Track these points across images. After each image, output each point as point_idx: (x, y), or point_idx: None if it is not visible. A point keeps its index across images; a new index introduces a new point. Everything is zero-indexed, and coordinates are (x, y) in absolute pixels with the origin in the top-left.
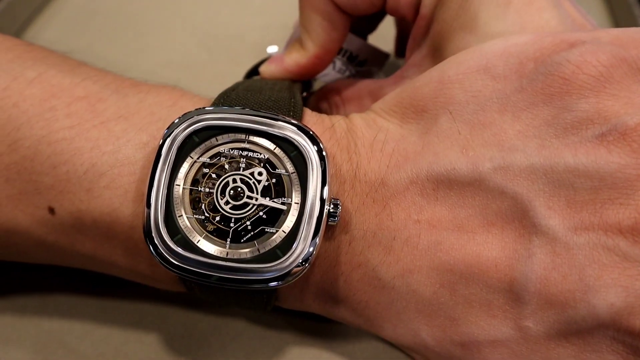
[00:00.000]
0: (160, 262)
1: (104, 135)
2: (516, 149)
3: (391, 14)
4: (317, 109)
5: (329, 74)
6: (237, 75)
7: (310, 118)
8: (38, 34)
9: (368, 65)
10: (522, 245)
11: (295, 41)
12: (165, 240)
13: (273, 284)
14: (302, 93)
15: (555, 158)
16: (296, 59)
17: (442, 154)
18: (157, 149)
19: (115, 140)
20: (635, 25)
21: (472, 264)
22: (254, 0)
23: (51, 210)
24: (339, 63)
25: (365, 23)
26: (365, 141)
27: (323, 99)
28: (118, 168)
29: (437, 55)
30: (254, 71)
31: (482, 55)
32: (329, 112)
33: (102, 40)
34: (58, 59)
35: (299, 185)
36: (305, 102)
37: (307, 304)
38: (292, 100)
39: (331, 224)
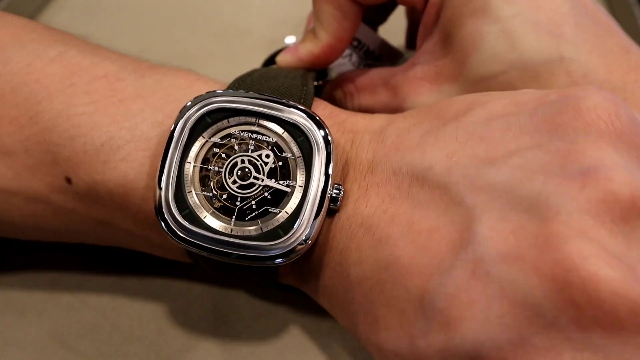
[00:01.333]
0: (169, 234)
1: (122, 112)
2: (494, 163)
3: (401, 3)
4: (332, 98)
5: (345, 64)
6: (245, 67)
7: (324, 111)
8: None
9: (383, 61)
10: (449, 257)
11: (309, 31)
12: (174, 215)
13: (278, 260)
14: (315, 81)
15: (524, 180)
16: (310, 48)
17: (428, 153)
18: (171, 127)
19: (132, 118)
20: (635, 25)
21: (403, 265)
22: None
23: (68, 180)
24: (355, 56)
25: (375, 14)
26: (371, 133)
27: (337, 88)
28: (134, 142)
29: (448, 41)
30: (271, 60)
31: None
32: (343, 101)
33: (103, 39)
34: (77, 41)
35: (304, 169)
36: (321, 91)
37: (293, 282)
38: (304, 88)
39: (333, 207)
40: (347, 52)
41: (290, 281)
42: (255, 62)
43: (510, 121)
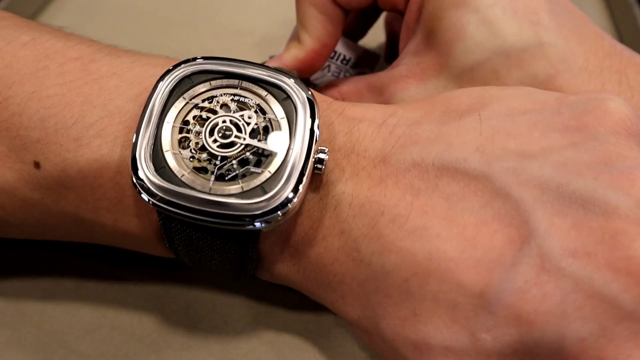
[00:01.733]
0: (143, 194)
1: (96, 90)
2: (535, 158)
3: (383, 5)
4: None
5: (325, 75)
6: None
7: (318, 97)
8: None
9: (361, 67)
10: (510, 252)
11: (293, 39)
12: (148, 172)
13: (258, 223)
14: None
15: (573, 176)
16: (294, 54)
17: (456, 145)
18: (138, 119)
19: (107, 94)
20: (635, 25)
21: (452, 259)
22: (255, 0)
23: (37, 165)
24: (333, 66)
25: (355, 27)
26: (374, 122)
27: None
28: (109, 118)
29: (431, 37)
30: None
31: (526, 89)
32: None
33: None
34: (51, 28)
35: (287, 133)
36: None
37: (285, 269)
38: (291, 73)
39: (317, 172)
40: (325, 64)
41: (283, 274)
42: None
43: (534, 118)
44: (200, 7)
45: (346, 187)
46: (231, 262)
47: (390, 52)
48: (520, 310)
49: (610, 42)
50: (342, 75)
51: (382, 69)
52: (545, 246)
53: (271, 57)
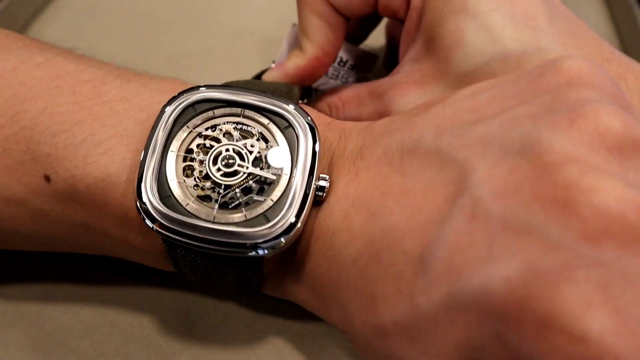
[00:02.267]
0: (147, 220)
1: (106, 111)
2: (482, 122)
3: (383, 13)
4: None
5: (327, 83)
6: (245, 67)
7: (311, 114)
8: (39, 34)
9: (359, 69)
10: (446, 208)
11: (294, 49)
12: (153, 200)
13: (262, 251)
14: (300, 100)
15: (513, 127)
16: (296, 62)
17: (417, 128)
18: (144, 147)
19: (116, 116)
20: (635, 25)
21: (400, 229)
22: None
23: (47, 178)
24: (330, 69)
25: (356, 32)
26: (359, 128)
27: (322, 102)
28: (117, 138)
29: (431, 43)
30: (257, 79)
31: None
32: (328, 115)
33: (103, 39)
34: (64, 50)
35: (289, 162)
36: None
37: (284, 286)
38: (290, 90)
39: (319, 198)
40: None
41: (274, 286)
42: (255, 62)
43: (494, 91)
44: (200, 7)
45: (327, 193)
46: (236, 284)
47: (390, 59)
48: (450, 262)
49: (609, 49)
50: (340, 76)
51: (381, 72)
52: (476, 195)
53: (274, 62)
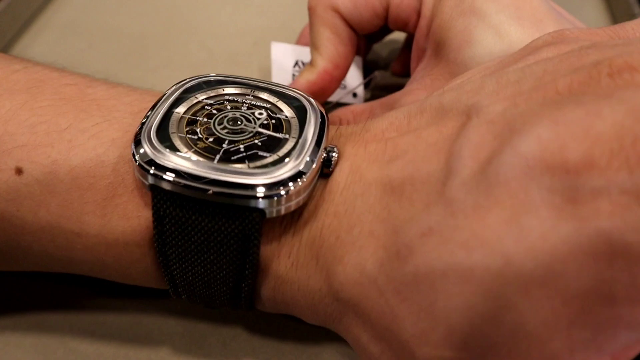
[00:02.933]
0: (142, 165)
1: (93, 106)
2: (482, 89)
3: (394, 25)
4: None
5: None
6: (245, 67)
7: None
8: (25, 50)
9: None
10: (463, 128)
11: (306, 65)
12: (154, 144)
13: (261, 202)
14: None
15: (506, 68)
16: (306, 76)
17: (420, 101)
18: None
19: (105, 109)
20: None
21: (418, 159)
22: (254, 0)
23: (18, 171)
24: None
25: (369, 41)
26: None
27: (334, 117)
28: (106, 123)
29: (440, 48)
30: None
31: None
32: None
33: (106, 36)
34: (45, 63)
35: (297, 129)
36: None
37: (281, 275)
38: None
39: (326, 171)
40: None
41: (269, 279)
42: (255, 62)
43: (483, 70)
44: (200, 7)
45: (335, 164)
46: (228, 270)
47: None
48: (479, 156)
49: None
50: (344, 92)
51: (387, 81)
52: (491, 111)
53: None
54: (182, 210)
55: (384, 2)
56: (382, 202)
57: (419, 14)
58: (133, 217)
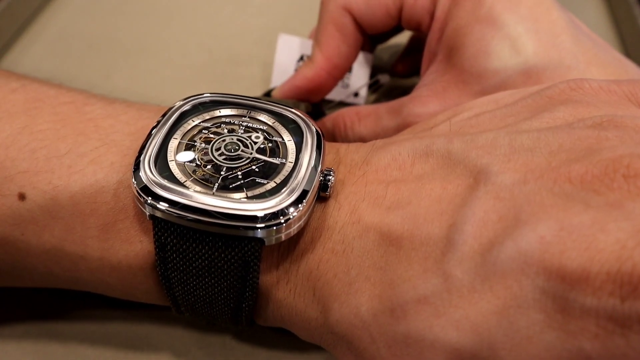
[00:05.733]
0: (140, 194)
1: (91, 127)
2: (490, 131)
3: (407, 26)
4: (333, 128)
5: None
6: (237, 75)
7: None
8: (17, 60)
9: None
10: (470, 194)
11: (307, 59)
12: (152, 175)
13: (260, 233)
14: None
15: (519, 133)
16: (304, 72)
17: (426, 137)
18: (146, 135)
19: (103, 131)
20: (635, 25)
21: (421, 215)
22: (254, 0)
23: (21, 196)
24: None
25: (376, 39)
26: (361, 144)
27: (339, 118)
28: (105, 147)
29: (453, 54)
30: (267, 95)
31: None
32: (344, 130)
33: (106, 35)
34: (39, 79)
35: (294, 153)
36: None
37: (279, 298)
38: (296, 105)
39: (324, 194)
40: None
41: (268, 301)
42: (254, 62)
43: (495, 114)
44: (200, 7)
45: (332, 187)
46: (229, 293)
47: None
48: (481, 236)
49: (634, 69)
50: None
51: (390, 83)
52: (498, 182)
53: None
54: (182, 239)
55: (397, 3)
56: (380, 250)
57: (432, 16)
58: (135, 242)
